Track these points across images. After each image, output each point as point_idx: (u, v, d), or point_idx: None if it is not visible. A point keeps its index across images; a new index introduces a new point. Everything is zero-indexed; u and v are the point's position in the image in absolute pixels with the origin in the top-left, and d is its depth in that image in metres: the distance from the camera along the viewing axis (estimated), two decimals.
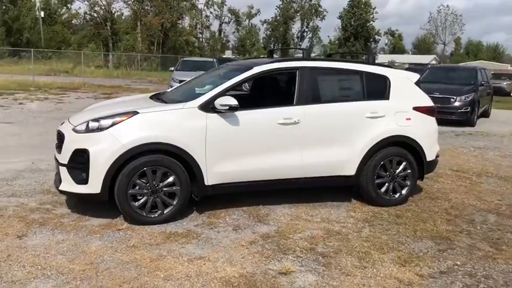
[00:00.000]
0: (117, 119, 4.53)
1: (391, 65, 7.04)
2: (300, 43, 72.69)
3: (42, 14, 57.27)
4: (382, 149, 5.38)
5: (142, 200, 4.59)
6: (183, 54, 44.66)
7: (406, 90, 5.63)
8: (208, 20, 62.61)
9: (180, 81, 16.16)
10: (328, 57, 6.50)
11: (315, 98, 5.18)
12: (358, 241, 4.44)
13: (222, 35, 64.96)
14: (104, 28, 46.42)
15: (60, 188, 4.67)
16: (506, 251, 4.36)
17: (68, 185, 4.59)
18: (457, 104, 13.29)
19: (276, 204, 5.39)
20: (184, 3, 53.11)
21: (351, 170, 5.30)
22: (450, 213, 5.40)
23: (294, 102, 5.09)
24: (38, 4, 57.46)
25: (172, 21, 46.90)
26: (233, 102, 4.65)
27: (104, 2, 45.93)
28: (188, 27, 55.30)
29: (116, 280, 3.48)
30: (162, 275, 3.59)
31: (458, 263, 4.07)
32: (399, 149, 5.48)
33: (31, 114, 12.68)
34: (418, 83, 5.76)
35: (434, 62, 61.57)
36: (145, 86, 26.20)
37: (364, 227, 4.84)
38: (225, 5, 63.16)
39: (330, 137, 5.19)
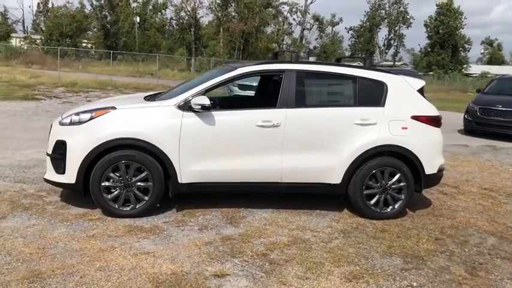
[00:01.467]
0: (95, 113, 4.75)
1: (393, 70, 6.43)
2: (387, 51, 70.56)
3: (137, 19, 61.14)
4: (373, 158, 5.09)
5: (115, 193, 4.75)
6: (262, 60, 45.19)
7: (405, 98, 5.29)
8: (291, 27, 62.93)
9: (239, 86, 16.46)
10: (337, 61, 6.28)
11: (299, 102, 5.04)
12: (320, 252, 4.25)
13: (304, 42, 64.89)
14: (188, 33, 48.36)
15: (45, 176, 4.98)
16: (480, 277, 3.94)
17: (50, 174, 4.88)
18: None
19: (260, 207, 5.32)
20: (270, 9, 53.86)
21: (336, 178, 5.08)
22: (444, 232, 4.97)
23: (277, 105, 4.99)
24: (135, 9, 61.39)
25: (255, 26, 47.67)
26: (206, 101, 4.68)
27: (189, 8, 47.85)
28: (270, 33, 55.92)
29: (53, 265, 3.65)
30: (98, 265, 3.69)
31: (414, 284, 3.75)
32: (393, 160, 5.16)
33: None
34: (421, 91, 5.38)
35: None
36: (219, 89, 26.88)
37: (337, 238, 4.61)
38: (309, 13, 63.10)
39: (313, 142, 5.02)
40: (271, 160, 4.95)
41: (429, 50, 59.93)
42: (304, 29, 63.81)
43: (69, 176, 4.69)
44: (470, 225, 5.26)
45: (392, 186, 5.17)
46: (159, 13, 66.33)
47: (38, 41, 51.85)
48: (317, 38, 68.85)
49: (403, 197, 5.22)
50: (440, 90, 36.99)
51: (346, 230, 4.84)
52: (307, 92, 5.16)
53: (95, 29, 59.37)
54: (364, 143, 5.04)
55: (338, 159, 5.04)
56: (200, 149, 4.82)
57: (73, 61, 39.47)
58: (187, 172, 4.81)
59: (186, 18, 49.37)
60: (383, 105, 5.18)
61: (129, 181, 4.74)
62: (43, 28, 59.69)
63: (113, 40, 58.56)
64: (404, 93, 5.31)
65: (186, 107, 4.77)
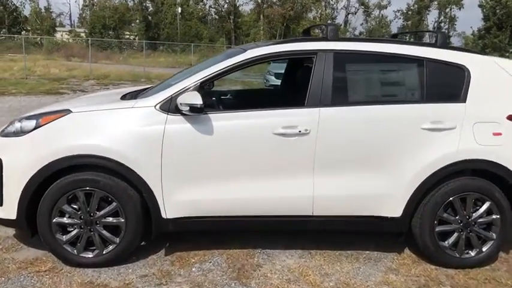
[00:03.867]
0: (42, 119, 3.31)
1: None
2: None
3: (179, 10, 60.51)
4: (449, 179, 3.43)
5: (73, 233, 3.33)
6: None
7: (496, 89, 3.56)
8: (335, 11, 60.23)
9: (276, 74, 14.86)
10: (393, 38, 4.58)
11: (339, 98, 3.42)
12: None
13: (348, 26, 62.01)
14: (228, 21, 47.02)
15: None
16: None
17: None
18: None
19: (282, 247, 3.76)
20: None
21: (394, 210, 3.45)
22: None
23: (305, 103, 3.39)
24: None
25: (295, 12, 45.68)
26: (197, 100, 3.15)
27: None
28: (313, 19, 53.62)
29: None
30: None
31: None
32: (480, 182, 3.47)
33: None
34: None
35: None
36: (255, 79, 25.37)
37: None
38: None
39: (359, 157, 3.40)
40: (298, 184, 3.38)
41: (484, 32, 55.65)
42: (348, 14, 61.01)
43: (8, 210, 3.30)
44: None
45: (479, 220, 3.49)
46: (201, 2, 65.52)
47: (82, 34, 52.15)
48: (362, 23, 65.71)
49: (494, 235, 3.53)
50: None
51: None
52: (350, 83, 3.52)
53: (137, 21, 59.22)
54: (437, 157, 3.38)
55: (397, 181, 3.40)
56: (192, 169, 3.32)
57: (115, 53, 39.26)
58: (175, 203, 3.32)
59: (225, 6, 47.96)
60: (464, 101, 3.47)
61: (91, 216, 3.30)
62: (88, 21, 60.11)
63: (155, 31, 58.27)
64: (496, 81, 3.57)
65: (170, 107, 3.27)
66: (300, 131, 3.30)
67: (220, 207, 3.39)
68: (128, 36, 57.13)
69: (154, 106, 3.29)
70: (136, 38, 55.87)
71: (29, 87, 16.33)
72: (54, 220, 3.28)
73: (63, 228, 3.34)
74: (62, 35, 51.91)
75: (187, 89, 3.30)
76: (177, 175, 3.30)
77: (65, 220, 3.31)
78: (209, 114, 3.30)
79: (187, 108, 3.16)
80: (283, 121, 3.33)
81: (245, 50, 3.50)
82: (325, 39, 3.52)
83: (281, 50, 3.49)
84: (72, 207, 3.30)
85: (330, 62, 3.42)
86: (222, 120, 3.32)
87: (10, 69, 22.32)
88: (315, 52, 3.46)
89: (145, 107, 3.30)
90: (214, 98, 4.34)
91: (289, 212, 3.43)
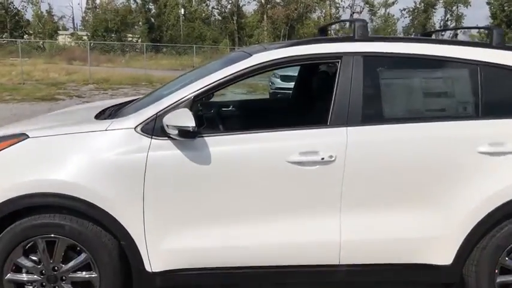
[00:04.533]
0: None
1: None
2: (443, 34, 65.59)
3: (182, 11, 59.95)
4: None
5: None
6: None
7: None
8: (339, 11, 59.37)
9: (282, 77, 14.07)
10: (426, 36, 3.81)
11: (372, 114, 2.69)
12: None
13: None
14: (231, 22, 46.37)
15: None
16: None
17: None
18: None
19: None
20: None
21: (442, 256, 2.70)
22: None
23: (328, 121, 2.64)
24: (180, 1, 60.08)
25: (299, 12, 44.91)
26: (186, 121, 2.41)
27: None
28: (317, 19, 52.82)
29: None
30: None
31: None
32: None
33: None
34: None
35: None
36: (260, 81, 24.60)
37: None
38: None
39: (399, 190, 2.65)
40: (320, 226, 2.63)
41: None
42: (353, 13, 60.09)
43: None
44: None
45: None
46: (204, 4, 64.85)
47: (84, 37, 51.72)
48: (368, 22, 64.59)
49: None
50: None
51: None
52: (385, 95, 2.76)
53: (140, 23, 58.71)
54: (499, 189, 2.63)
55: (448, 220, 2.66)
56: (185, 209, 2.59)
57: (118, 56, 38.77)
58: (163, 252, 2.59)
59: (228, 6, 47.30)
60: None
61: (55, 271, 2.56)
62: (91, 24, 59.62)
63: (158, 33, 57.75)
64: None
65: (155, 129, 2.54)
66: (322, 158, 2.55)
67: (221, 257, 2.65)
68: (130, 39, 56.62)
69: (135, 128, 2.56)
70: (139, 40, 55.34)
71: (24, 93, 15.69)
72: (6, 277, 2.55)
73: (19, 287, 2.61)
74: (64, 38, 51.46)
75: (176, 106, 2.56)
76: (165, 217, 2.56)
77: (22, 277, 2.58)
78: (206, 138, 2.56)
79: (176, 132, 2.41)
80: (300, 145, 2.58)
81: (250, 55, 2.75)
82: (351, 39, 2.77)
83: (296, 54, 2.73)
84: (31, 260, 2.56)
85: (359, 67, 2.67)
86: (222, 146, 2.58)
87: (8, 74, 21.74)
88: (339, 56, 2.71)
89: (123, 129, 2.57)
90: (212, 112, 3.60)
91: (308, 261, 2.69)
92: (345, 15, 59.74)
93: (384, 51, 2.72)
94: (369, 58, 2.70)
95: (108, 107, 3.36)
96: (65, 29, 63.63)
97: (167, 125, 2.44)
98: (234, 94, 14.09)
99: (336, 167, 2.56)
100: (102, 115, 3.04)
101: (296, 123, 2.77)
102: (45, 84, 18.89)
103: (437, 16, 64.50)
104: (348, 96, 2.63)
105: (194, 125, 2.37)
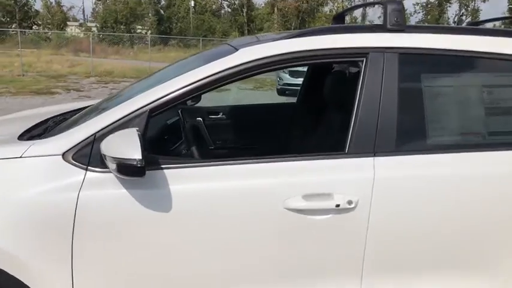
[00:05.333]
0: None
1: None
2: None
3: (192, 3, 59.16)
4: None
5: None
6: None
7: None
8: (352, 3, 58.06)
9: (291, 72, 13.22)
10: (474, 25, 2.93)
11: (412, 138, 1.84)
12: None
13: (366, 20, 59.78)
14: (240, 15, 45.48)
15: None
16: None
17: None
18: None
19: None
20: None
21: None
22: None
23: (347, 147, 1.80)
24: None
25: (311, 5, 43.83)
26: (129, 151, 1.59)
27: None
28: (329, 12, 51.64)
29: None
30: None
31: None
32: None
33: None
34: None
35: None
36: (267, 75, 23.72)
37: None
38: None
39: (451, 248, 1.82)
40: None
41: (508, 24, 53.08)
42: (366, 6, 58.79)
43: None
44: None
45: None
46: None
47: (93, 29, 51.23)
48: (380, 16, 63.20)
49: None
50: None
51: None
52: (431, 110, 1.91)
53: (150, 15, 58.02)
54: None
55: None
56: (136, 275, 1.76)
57: (126, 48, 38.23)
58: None
59: None
60: None
61: None
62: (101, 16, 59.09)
63: (167, 25, 57.09)
64: None
65: (92, 157, 1.72)
66: (337, 205, 1.72)
67: None
68: (140, 31, 55.89)
69: (63, 155, 1.74)
70: (148, 32, 54.61)
71: (21, 85, 15.02)
72: None
73: None
74: (71, 29, 50.94)
75: (123, 123, 1.74)
76: (105, 285, 1.74)
77: None
78: (166, 171, 1.73)
79: (114, 166, 1.59)
80: (304, 184, 1.77)
81: (236, 49, 1.92)
82: (382, 28, 1.92)
83: (300, 50, 1.89)
84: None
85: (393, 69, 1.84)
86: (190, 183, 1.76)
87: (11, 65, 21.16)
88: (363, 52, 1.87)
89: (45, 156, 1.75)
90: (188, 125, 2.78)
91: None
92: (357, 12, 58.35)
93: (431, 46, 1.87)
94: (408, 57, 1.86)
95: (52, 117, 2.53)
96: (75, 20, 63.13)
97: (104, 155, 1.62)
98: (239, 90, 13.26)
99: (357, 217, 1.74)
100: (35, 130, 2.22)
101: (299, 148, 1.94)
102: (46, 77, 18.27)
103: (451, 11, 62.94)
104: (376, 111, 1.80)
105: (140, 156, 1.55)
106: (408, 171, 1.79)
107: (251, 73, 1.84)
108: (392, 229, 1.78)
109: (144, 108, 1.77)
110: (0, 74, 18.21)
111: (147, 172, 1.62)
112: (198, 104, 3.38)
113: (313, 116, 2.63)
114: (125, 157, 1.55)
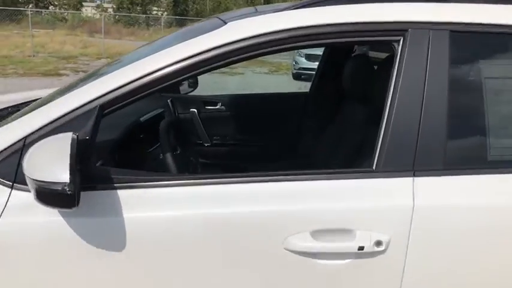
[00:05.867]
0: None
1: None
2: None
3: None
4: None
5: None
6: None
7: None
8: None
9: (307, 56, 12.63)
10: None
11: (467, 151, 1.30)
12: None
13: None
14: None
15: None
16: None
17: None
18: None
19: None
20: None
21: None
22: None
23: (374, 164, 1.27)
24: None
25: None
26: (55, 172, 1.07)
27: None
28: None
29: None
30: None
31: None
32: None
33: None
34: None
35: None
36: (283, 59, 23.00)
37: None
38: None
39: None
40: None
41: None
42: None
43: None
44: None
45: None
46: None
47: (109, 10, 51.06)
48: None
49: None
50: None
51: None
52: (493, 110, 1.37)
53: None
54: None
55: None
56: None
57: (142, 29, 37.87)
58: None
59: None
60: None
61: None
62: None
63: (183, 7, 56.59)
64: None
65: (18, 172, 1.22)
66: (361, 248, 1.20)
67: None
68: (155, 12, 55.37)
69: None
70: (165, 13, 54.05)
71: (30, 66, 14.73)
72: None
73: None
74: (87, 10, 50.74)
75: (60, 126, 1.24)
76: None
77: None
78: (121, 191, 1.24)
79: (33, 190, 1.10)
80: (312, 215, 1.24)
81: (225, 22, 1.40)
82: None
83: (308, 25, 1.35)
84: None
85: (443, 53, 1.29)
86: (151, 209, 1.25)
87: (23, 45, 20.89)
88: (400, 29, 1.32)
89: None
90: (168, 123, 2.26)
91: None
92: None
93: (499, 22, 1.31)
94: (465, 36, 1.31)
95: (9, 107, 2.06)
96: (92, 1, 62.80)
97: (25, 174, 1.13)
98: (253, 73, 12.70)
99: (388, 264, 1.22)
100: None
101: (310, 155, 1.43)
102: (56, 57, 18.01)
103: None
104: (417, 111, 1.27)
105: (68, 180, 1.04)
106: (461, 198, 1.26)
107: (241, 57, 1.31)
108: (439, 276, 1.26)
109: (92, 104, 1.27)
110: (11, 54, 17.91)
111: (94, 193, 1.13)
112: (194, 92, 2.89)
113: (328, 113, 2.08)
114: (46, 180, 1.05)
